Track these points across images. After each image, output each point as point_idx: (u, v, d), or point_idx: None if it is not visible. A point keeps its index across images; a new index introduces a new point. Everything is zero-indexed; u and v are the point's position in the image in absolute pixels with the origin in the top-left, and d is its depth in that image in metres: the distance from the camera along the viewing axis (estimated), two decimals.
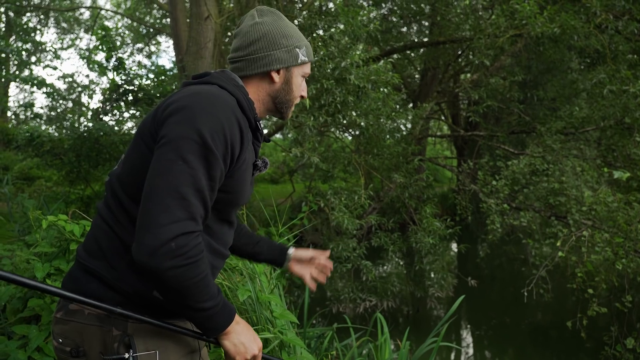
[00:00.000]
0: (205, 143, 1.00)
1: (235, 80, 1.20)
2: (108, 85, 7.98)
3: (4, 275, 0.95)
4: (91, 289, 1.08)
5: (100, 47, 7.52)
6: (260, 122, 1.21)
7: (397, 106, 5.65)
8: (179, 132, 1.00)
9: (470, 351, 5.70)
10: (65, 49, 17.98)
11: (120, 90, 7.76)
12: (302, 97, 1.34)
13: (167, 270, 0.95)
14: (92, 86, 10.25)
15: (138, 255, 0.96)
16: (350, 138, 6.72)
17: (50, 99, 8.95)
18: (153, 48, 17.58)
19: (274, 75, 1.24)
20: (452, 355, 5.52)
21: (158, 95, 7.42)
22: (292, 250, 1.51)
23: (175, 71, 8.34)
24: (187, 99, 1.05)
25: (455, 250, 10.17)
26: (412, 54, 11.02)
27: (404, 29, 10.66)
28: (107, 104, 8.15)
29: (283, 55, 1.23)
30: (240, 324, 1.14)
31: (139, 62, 14.66)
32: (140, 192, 1.03)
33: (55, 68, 10.31)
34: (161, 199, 0.97)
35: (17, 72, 14.10)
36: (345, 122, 5.10)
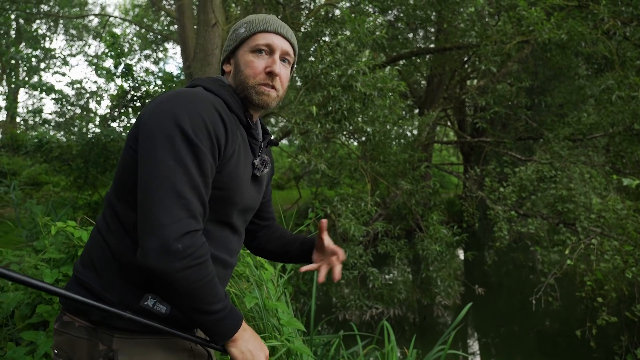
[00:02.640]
0: (189, 139, 0.98)
1: (221, 80, 1.19)
2: (116, 92, 8.04)
3: (14, 277, 0.91)
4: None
5: (108, 53, 7.59)
6: (253, 118, 1.19)
7: (404, 112, 5.64)
8: (162, 132, 0.98)
9: (478, 359, 5.64)
10: (74, 55, 18.18)
11: (128, 97, 7.82)
12: (269, 72, 1.16)
13: (177, 272, 0.93)
14: (100, 92, 10.36)
15: (145, 260, 0.93)
16: (356, 144, 6.72)
17: (58, 105, 9.02)
18: (160, 55, 17.71)
19: (226, 67, 1.24)
20: None
21: None
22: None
23: (182, 77, 8.40)
24: (166, 99, 1.04)
25: (462, 257, 10.10)
26: (419, 61, 11.01)
27: (410, 36, 10.67)
28: (115, 110, 8.21)
29: (228, 44, 1.24)
30: (248, 331, 1.12)
31: (147, 69, 14.77)
32: (130, 194, 1.01)
33: (63, 74, 10.47)
34: (159, 200, 0.94)
35: (26, 79, 14.30)
36: (351, 128, 5.10)
